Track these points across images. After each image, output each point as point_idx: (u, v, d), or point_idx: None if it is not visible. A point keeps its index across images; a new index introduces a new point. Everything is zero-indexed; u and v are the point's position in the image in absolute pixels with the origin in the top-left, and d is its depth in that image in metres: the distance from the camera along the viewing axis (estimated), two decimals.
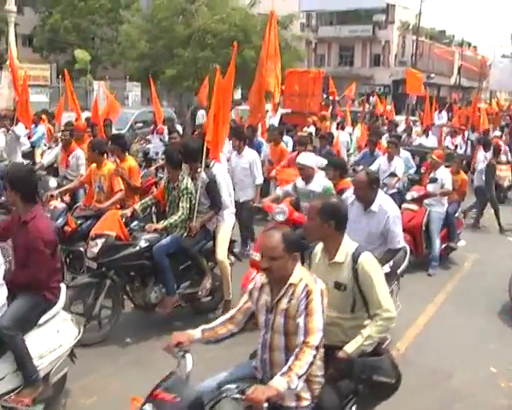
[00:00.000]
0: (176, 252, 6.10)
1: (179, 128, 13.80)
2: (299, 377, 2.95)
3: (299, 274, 3.24)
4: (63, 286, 4.60)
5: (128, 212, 6.26)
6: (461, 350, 5.98)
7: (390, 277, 5.66)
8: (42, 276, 4.22)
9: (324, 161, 7.92)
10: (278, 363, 3.20)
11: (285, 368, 2.98)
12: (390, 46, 48.19)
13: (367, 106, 22.10)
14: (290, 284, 3.20)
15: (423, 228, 8.68)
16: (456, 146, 16.42)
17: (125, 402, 3.19)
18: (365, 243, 5.25)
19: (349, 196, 5.52)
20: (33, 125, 12.35)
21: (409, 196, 9.02)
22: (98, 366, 5.29)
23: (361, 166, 10.71)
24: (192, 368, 3.10)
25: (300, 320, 3.09)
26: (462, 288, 8.09)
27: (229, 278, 6.54)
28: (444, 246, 9.03)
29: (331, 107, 20.76)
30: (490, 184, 11.37)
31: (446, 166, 9.13)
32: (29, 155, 11.74)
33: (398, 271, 5.92)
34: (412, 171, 11.03)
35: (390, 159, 9.46)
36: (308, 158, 6.94)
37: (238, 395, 3.05)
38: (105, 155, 7.27)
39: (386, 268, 5.37)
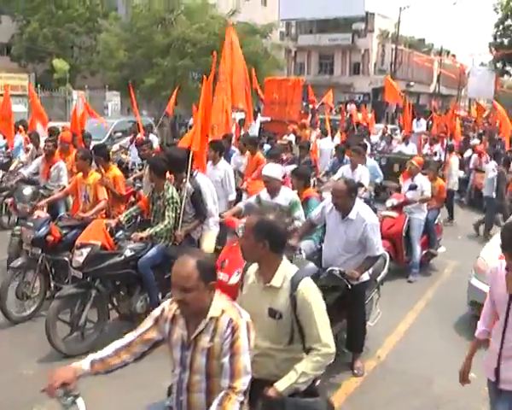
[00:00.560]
0: (161, 262, 6.08)
1: (155, 139, 13.61)
2: None
3: (220, 305, 2.81)
4: None
5: (112, 222, 6.24)
6: (441, 357, 5.98)
7: (370, 284, 5.69)
8: None
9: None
10: (197, 406, 2.84)
11: None
12: (369, 54, 48.54)
13: (345, 114, 22.10)
14: (211, 318, 2.78)
15: (403, 235, 8.71)
16: (435, 153, 16.57)
17: None
18: (343, 250, 5.30)
19: (327, 204, 5.52)
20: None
21: (389, 203, 9.08)
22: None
23: (325, 178, 10.82)
24: None
25: (225, 361, 2.70)
26: (443, 294, 8.13)
27: None
28: (424, 252, 9.09)
29: (310, 115, 20.79)
30: (502, 193, 11.65)
31: (423, 174, 9.18)
32: (6, 165, 11.56)
33: (378, 278, 5.94)
34: (378, 180, 11.06)
35: (353, 167, 9.42)
36: (274, 170, 6.50)
37: None
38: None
39: (366, 276, 5.38)
